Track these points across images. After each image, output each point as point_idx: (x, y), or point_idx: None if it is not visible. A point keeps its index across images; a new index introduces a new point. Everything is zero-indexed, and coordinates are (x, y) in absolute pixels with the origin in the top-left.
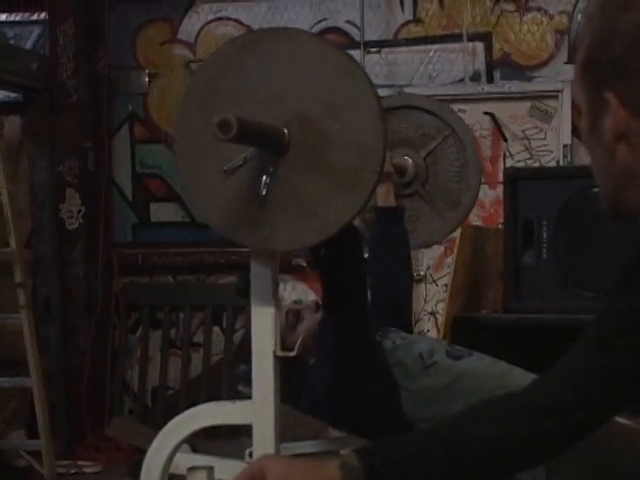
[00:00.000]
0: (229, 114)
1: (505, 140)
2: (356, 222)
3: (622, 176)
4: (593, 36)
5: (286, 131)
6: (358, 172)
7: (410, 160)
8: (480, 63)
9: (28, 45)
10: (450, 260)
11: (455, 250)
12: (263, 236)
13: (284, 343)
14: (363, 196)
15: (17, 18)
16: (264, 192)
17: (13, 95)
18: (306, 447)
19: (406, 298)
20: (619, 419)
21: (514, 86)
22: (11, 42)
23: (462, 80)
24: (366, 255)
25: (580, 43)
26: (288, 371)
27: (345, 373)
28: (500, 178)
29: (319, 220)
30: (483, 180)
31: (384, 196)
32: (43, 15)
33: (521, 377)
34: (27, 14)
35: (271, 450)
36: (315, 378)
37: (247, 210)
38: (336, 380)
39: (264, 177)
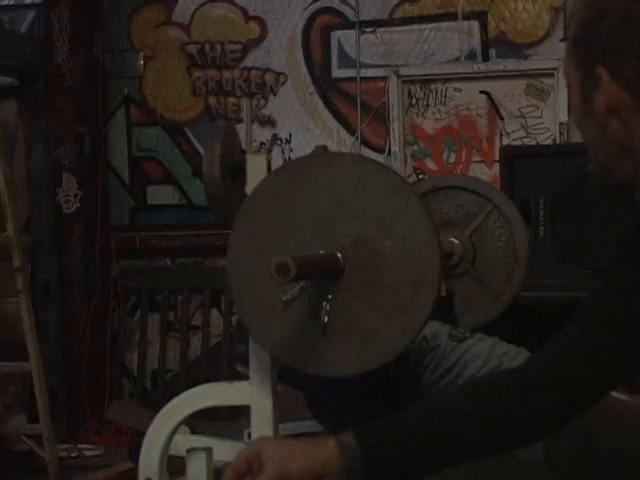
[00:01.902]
0: (285, 256)
1: (501, 118)
2: None
3: (616, 152)
4: (586, 12)
5: (340, 255)
6: (416, 287)
7: (456, 241)
8: (476, 42)
9: (23, 29)
10: None
11: None
12: (329, 362)
13: None
14: (425, 311)
15: (11, 2)
16: (326, 319)
17: (8, 80)
18: (306, 427)
19: None
20: (615, 394)
21: (510, 64)
22: (5, 26)
23: (458, 59)
24: None
25: (572, 19)
26: None
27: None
28: (496, 157)
29: (384, 340)
30: (480, 158)
31: None
32: None
33: (522, 356)
34: None
35: (270, 431)
36: None
37: (309, 338)
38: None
39: (324, 304)
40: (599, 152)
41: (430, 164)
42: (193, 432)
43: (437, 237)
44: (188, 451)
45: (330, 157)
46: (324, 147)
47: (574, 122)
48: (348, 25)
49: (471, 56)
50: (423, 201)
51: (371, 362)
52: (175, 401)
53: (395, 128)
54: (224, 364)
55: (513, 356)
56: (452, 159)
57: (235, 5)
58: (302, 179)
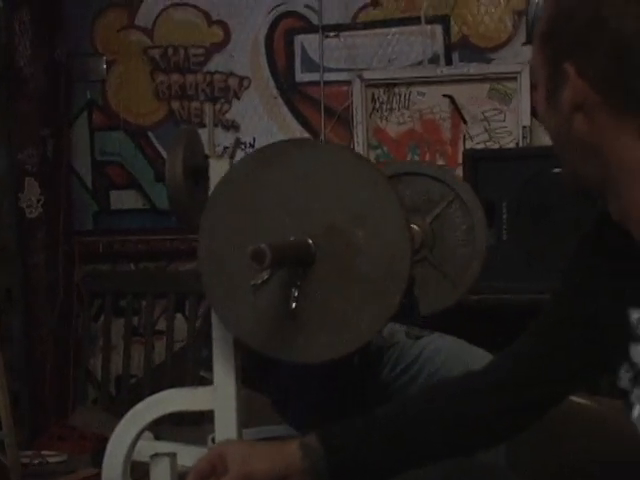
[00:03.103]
0: (262, 243)
1: (464, 122)
2: None
3: (580, 149)
4: (556, 8)
5: (311, 242)
6: (387, 278)
7: (417, 227)
8: (438, 46)
9: None
10: None
11: None
12: (297, 349)
13: None
14: (394, 302)
15: None
16: (294, 305)
17: None
18: (269, 432)
19: None
20: (575, 398)
21: (473, 68)
22: None
23: (421, 63)
24: None
25: (542, 15)
26: (251, 355)
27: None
28: (460, 160)
29: (352, 330)
30: (443, 162)
31: None
32: None
33: (480, 355)
34: None
35: (233, 435)
36: (278, 363)
37: (278, 323)
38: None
39: (293, 290)
40: (564, 151)
41: None
42: (157, 438)
43: (409, 231)
44: (152, 457)
45: (306, 145)
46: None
47: (539, 118)
48: (311, 29)
49: (434, 60)
50: (397, 194)
51: (339, 350)
52: (139, 407)
53: (359, 132)
54: (189, 369)
55: (472, 353)
56: None
57: (198, 9)
58: (277, 165)
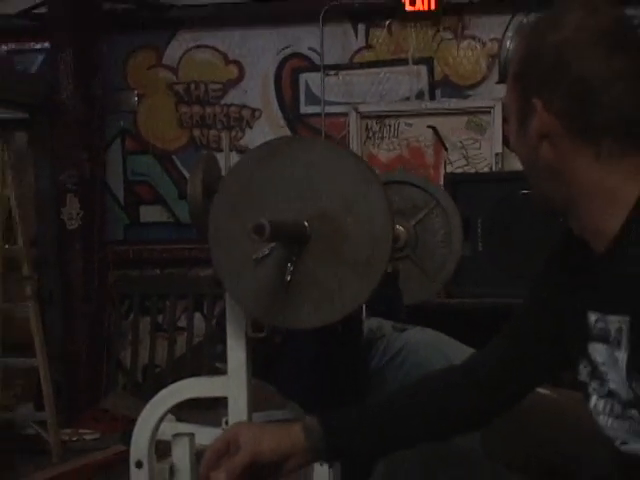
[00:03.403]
0: (263, 219)
1: (445, 149)
2: None
3: (546, 173)
4: (524, 51)
5: (307, 224)
6: (370, 261)
7: (402, 228)
8: (423, 83)
9: (33, 70)
10: None
11: None
12: (290, 316)
13: (255, 325)
14: (374, 281)
15: (24, 47)
16: (288, 278)
17: (20, 114)
18: (275, 415)
19: None
20: (539, 390)
21: (453, 103)
22: (19, 68)
23: (408, 98)
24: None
25: (514, 57)
26: (260, 349)
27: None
28: (441, 182)
29: (337, 302)
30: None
31: None
32: (46, 44)
33: (455, 345)
34: (32, 44)
35: (244, 418)
36: (283, 356)
37: (274, 294)
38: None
39: (289, 265)
40: (533, 175)
41: None
42: (178, 420)
43: (392, 221)
44: (173, 436)
45: (306, 142)
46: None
47: (511, 147)
48: (314, 68)
49: (420, 96)
50: (384, 189)
51: (324, 319)
52: (162, 393)
53: None
54: (205, 360)
55: (448, 344)
56: None
57: (217, 50)
58: (279, 157)
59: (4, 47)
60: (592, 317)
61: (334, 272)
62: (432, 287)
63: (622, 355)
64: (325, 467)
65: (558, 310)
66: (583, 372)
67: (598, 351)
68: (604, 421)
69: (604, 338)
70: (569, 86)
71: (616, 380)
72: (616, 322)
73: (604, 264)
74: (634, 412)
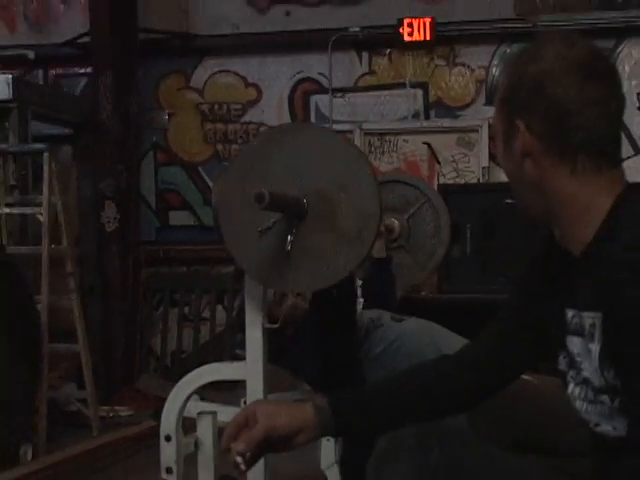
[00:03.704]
0: (263, 189)
1: (438, 163)
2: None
3: (529, 187)
4: (510, 79)
5: (305, 201)
6: (360, 231)
7: (396, 222)
8: (419, 105)
9: (77, 92)
10: None
11: None
12: (288, 281)
13: (271, 317)
14: (364, 250)
15: (70, 72)
16: (289, 248)
17: (65, 130)
18: (286, 396)
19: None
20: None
21: (445, 122)
22: (65, 90)
23: (406, 117)
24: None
25: (501, 83)
26: (274, 338)
27: (327, 366)
28: None
29: (331, 269)
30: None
31: (378, 249)
32: (88, 69)
33: (445, 334)
34: (77, 69)
35: (260, 399)
36: (294, 345)
37: (276, 262)
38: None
39: (289, 237)
40: (517, 188)
41: None
42: (202, 399)
43: (379, 196)
44: (198, 414)
45: (302, 127)
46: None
47: (498, 162)
48: (323, 91)
49: (416, 115)
50: (371, 168)
51: (320, 283)
52: (189, 376)
53: None
54: (226, 347)
55: (440, 333)
56: None
57: (238, 75)
58: (279, 142)
59: (52, 72)
60: (569, 313)
61: (329, 242)
62: (422, 274)
63: (595, 347)
64: (331, 442)
65: (538, 309)
66: (562, 362)
67: (574, 343)
68: (580, 406)
69: (579, 332)
70: (546, 110)
71: (589, 369)
72: (590, 318)
73: (580, 267)
74: (605, 397)
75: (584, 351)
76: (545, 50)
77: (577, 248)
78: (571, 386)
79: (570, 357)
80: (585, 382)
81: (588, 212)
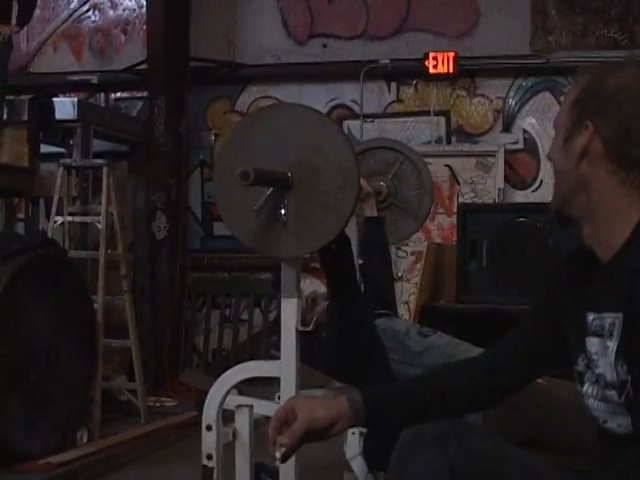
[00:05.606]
0: (248, 167)
1: (458, 184)
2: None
3: (577, 184)
4: (587, 84)
5: (289, 174)
6: (343, 188)
7: (383, 183)
8: (442, 131)
9: (134, 113)
10: (419, 266)
11: (422, 259)
12: (279, 247)
13: (303, 321)
14: (350, 204)
15: (128, 95)
16: (284, 219)
17: (123, 147)
18: (316, 393)
19: (388, 284)
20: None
21: (465, 147)
22: (123, 111)
23: (429, 142)
24: (359, 260)
25: (575, 87)
26: (306, 340)
27: (346, 340)
28: (454, 210)
29: (319, 231)
30: (443, 211)
31: (369, 209)
32: (144, 93)
33: (466, 349)
34: (134, 92)
35: (292, 395)
36: (325, 346)
37: (271, 231)
38: (340, 346)
39: (282, 210)
40: (564, 184)
41: None
42: (240, 393)
43: (354, 153)
44: (236, 407)
45: (279, 107)
46: None
47: (550, 155)
48: (355, 117)
49: (439, 140)
50: (343, 131)
51: (314, 245)
52: (228, 372)
53: None
54: (262, 347)
55: (464, 348)
56: None
57: (278, 101)
58: (262, 121)
59: (113, 95)
60: (590, 317)
61: (315, 207)
62: (416, 223)
63: (612, 343)
64: (356, 435)
65: (559, 319)
66: (581, 364)
67: (593, 343)
68: (591, 403)
69: (599, 333)
70: (619, 121)
71: (604, 365)
72: (610, 318)
73: (605, 273)
74: (613, 393)
75: (601, 349)
76: (628, 68)
77: (605, 254)
78: (586, 386)
79: (588, 358)
80: (598, 379)
81: (622, 222)
